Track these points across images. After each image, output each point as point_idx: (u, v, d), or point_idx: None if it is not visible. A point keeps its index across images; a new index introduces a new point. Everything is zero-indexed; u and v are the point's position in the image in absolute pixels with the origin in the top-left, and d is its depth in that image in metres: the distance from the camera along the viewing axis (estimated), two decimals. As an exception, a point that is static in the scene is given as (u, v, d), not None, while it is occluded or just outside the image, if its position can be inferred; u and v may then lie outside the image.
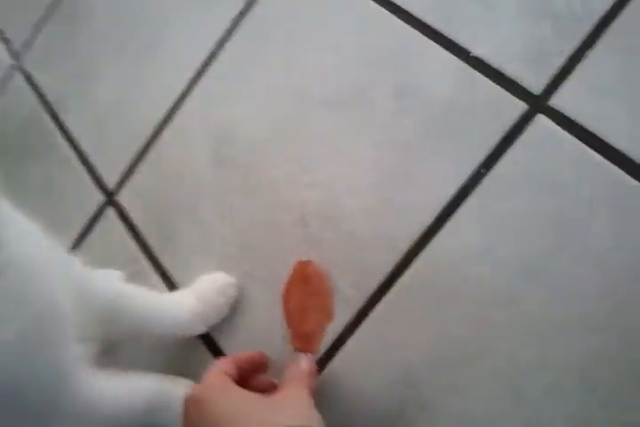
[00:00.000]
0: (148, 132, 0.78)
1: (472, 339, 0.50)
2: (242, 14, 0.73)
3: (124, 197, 0.79)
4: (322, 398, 0.52)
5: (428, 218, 0.54)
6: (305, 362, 0.54)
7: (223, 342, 0.64)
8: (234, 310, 0.64)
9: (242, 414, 0.45)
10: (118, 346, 0.68)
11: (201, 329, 0.63)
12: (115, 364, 0.61)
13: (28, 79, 0.98)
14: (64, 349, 0.47)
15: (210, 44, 0.75)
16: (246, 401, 0.47)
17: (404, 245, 0.55)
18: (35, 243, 0.47)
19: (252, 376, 0.55)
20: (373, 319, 0.55)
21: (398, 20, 0.61)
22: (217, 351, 0.64)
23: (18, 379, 0.42)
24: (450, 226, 0.53)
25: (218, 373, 0.51)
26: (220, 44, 0.74)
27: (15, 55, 1.02)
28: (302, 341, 0.58)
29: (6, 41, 1.05)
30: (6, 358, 0.41)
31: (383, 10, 0.62)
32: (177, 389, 0.55)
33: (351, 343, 0.56)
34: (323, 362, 0.57)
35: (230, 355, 0.57)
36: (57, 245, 0.50)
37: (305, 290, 0.58)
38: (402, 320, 0.53)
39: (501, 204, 0.51)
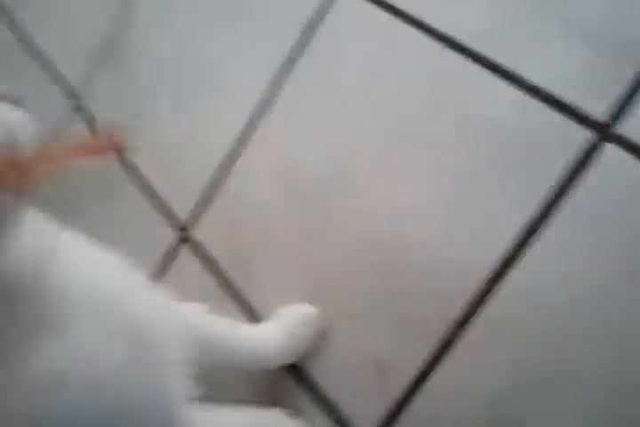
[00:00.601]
0: (214, 171, 0.82)
1: (558, 362, 0.52)
2: (301, 46, 0.77)
3: (198, 232, 0.82)
4: None
5: (502, 247, 0.56)
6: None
7: (311, 371, 0.66)
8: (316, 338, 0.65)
9: None
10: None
11: (288, 361, 0.65)
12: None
13: (90, 122, 1.02)
14: (169, 379, 0.46)
15: (267, 81, 0.78)
16: None
17: (482, 274, 0.57)
18: (113, 274, 0.46)
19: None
20: (459, 348, 0.57)
21: (451, 51, 0.63)
22: (302, 379, 0.66)
23: (124, 414, 0.42)
24: (526, 256, 0.55)
25: None
26: (279, 81, 0.77)
27: (72, 95, 1.06)
28: None
29: (62, 82, 1.10)
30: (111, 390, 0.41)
31: (436, 43, 0.64)
32: (279, 422, 0.57)
33: (438, 373, 0.58)
34: (410, 391, 0.59)
35: None
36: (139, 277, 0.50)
37: None
38: (486, 347, 0.55)
39: (575, 234, 0.53)
